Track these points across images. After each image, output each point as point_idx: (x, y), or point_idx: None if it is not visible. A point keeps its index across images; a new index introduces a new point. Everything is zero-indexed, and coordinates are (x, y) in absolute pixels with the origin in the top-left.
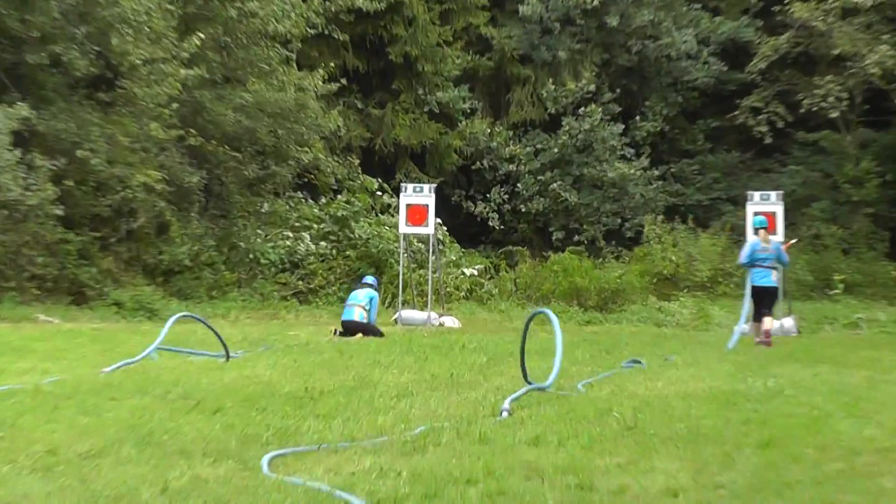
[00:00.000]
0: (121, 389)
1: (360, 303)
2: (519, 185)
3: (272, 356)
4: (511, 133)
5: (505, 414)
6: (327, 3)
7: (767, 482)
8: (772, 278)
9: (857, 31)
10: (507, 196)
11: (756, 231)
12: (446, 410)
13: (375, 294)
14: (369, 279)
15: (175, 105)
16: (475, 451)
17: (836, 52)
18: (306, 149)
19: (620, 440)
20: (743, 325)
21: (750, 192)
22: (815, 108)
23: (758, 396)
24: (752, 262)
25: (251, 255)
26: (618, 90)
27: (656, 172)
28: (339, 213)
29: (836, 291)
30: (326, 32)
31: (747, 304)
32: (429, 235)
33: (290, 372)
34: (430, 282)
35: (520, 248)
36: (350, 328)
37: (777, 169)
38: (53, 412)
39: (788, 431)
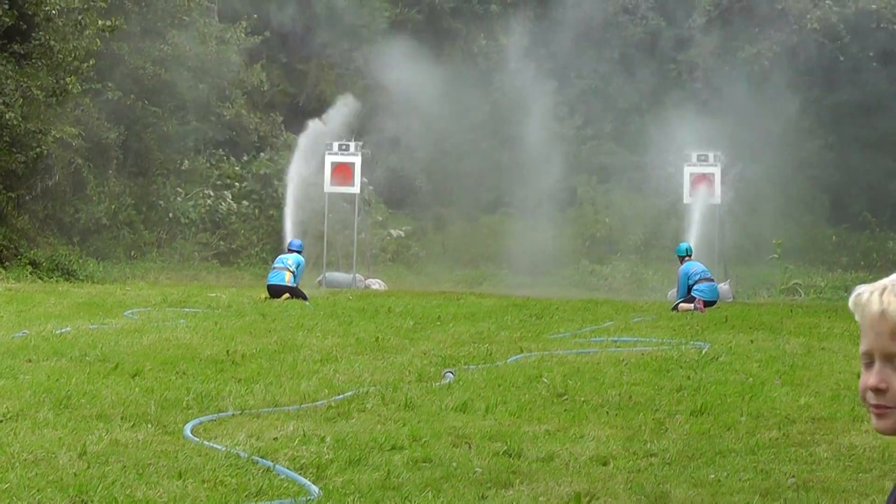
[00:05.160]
0: (37, 351)
1: (289, 267)
2: (448, 144)
3: (192, 319)
4: (441, 93)
5: (450, 376)
6: None
7: (700, 450)
8: (717, 290)
9: None
10: (436, 155)
11: (682, 259)
12: (371, 375)
13: (302, 259)
14: (296, 243)
15: (92, 61)
16: (401, 417)
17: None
18: (228, 104)
19: (550, 407)
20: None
21: (686, 153)
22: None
23: (691, 363)
24: (693, 284)
25: (171, 215)
26: (552, 46)
27: (590, 132)
28: (262, 172)
29: (774, 256)
30: None
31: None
32: (354, 195)
33: (210, 335)
34: (355, 243)
35: (449, 209)
36: (277, 291)
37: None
38: None
39: (722, 399)
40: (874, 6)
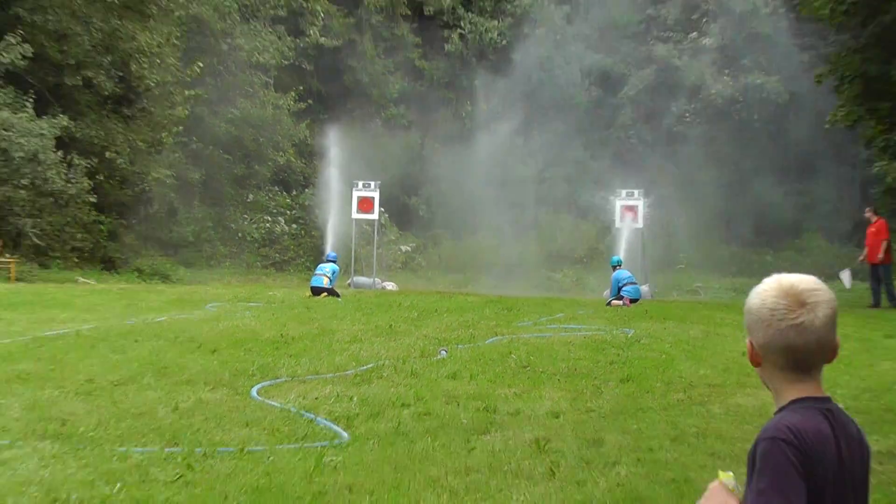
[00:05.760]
0: (142, 334)
1: (326, 273)
2: (442, 183)
3: (255, 311)
4: (438, 144)
5: (443, 353)
6: (297, 40)
7: (626, 408)
8: (640, 291)
9: None
10: (434, 192)
11: (614, 268)
12: (387, 352)
13: (337, 267)
14: (332, 255)
15: (181, 127)
16: (408, 383)
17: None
18: (281, 153)
19: (517, 376)
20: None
21: (617, 190)
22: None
23: (620, 344)
24: (622, 286)
25: (239, 234)
26: (520, 110)
27: (547, 174)
28: (307, 203)
29: (681, 266)
30: (297, 63)
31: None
32: (374, 220)
33: (269, 322)
34: (374, 255)
35: (443, 231)
36: (317, 291)
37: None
38: (91, 351)
39: (643, 370)
40: (759, 80)
